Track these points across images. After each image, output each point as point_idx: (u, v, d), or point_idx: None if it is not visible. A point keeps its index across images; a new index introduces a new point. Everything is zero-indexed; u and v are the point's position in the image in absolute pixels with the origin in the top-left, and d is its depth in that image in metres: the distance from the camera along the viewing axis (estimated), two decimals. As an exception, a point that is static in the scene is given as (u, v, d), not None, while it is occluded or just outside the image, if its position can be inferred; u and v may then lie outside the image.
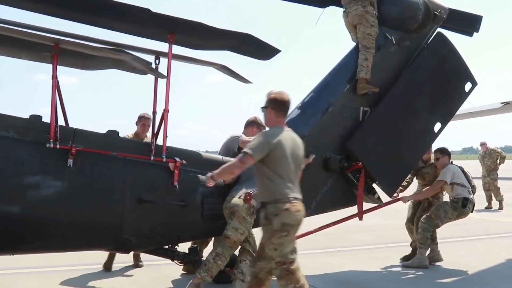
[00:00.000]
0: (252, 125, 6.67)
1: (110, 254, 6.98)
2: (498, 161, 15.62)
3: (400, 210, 9.22)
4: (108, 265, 7.03)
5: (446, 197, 7.93)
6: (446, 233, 8.61)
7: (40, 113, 5.29)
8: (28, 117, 5.24)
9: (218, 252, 5.51)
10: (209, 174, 4.49)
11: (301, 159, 4.55)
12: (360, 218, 6.83)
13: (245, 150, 4.31)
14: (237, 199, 5.55)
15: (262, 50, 5.89)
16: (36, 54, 5.95)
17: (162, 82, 5.74)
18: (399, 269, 7.37)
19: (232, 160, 5.97)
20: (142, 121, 7.16)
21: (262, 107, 4.53)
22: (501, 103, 26.61)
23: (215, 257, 5.49)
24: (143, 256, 7.01)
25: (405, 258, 7.68)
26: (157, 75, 5.54)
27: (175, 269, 6.70)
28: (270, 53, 5.96)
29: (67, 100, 5.60)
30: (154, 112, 5.95)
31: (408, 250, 7.92)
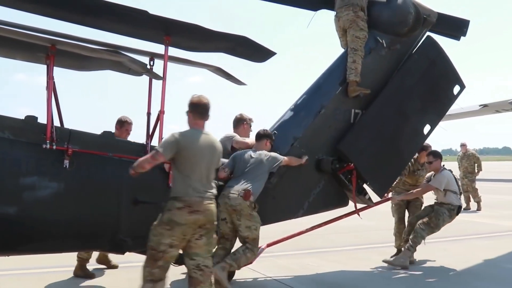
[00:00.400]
0: (241, 122, 6.77)
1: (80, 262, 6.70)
2: (476, 168, 15.82)
3: (384, 212, 9.31)
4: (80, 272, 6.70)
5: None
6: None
7: (20, 115, 5.29)
8: (24, 118, 5.25)
9: (248, 246, 5.83)
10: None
11: (214, 161, 4.69)
12: (359, 215, 7.16)
13: (156, 147, 4.64)
14: (237, 197, 5.69)
15: (258, 53, 5.97)
16: (30, 55, 5.96)
17: (156, 83, 5.82)
18: (378, 269, 7.43)
19: (225, 160, 6.08)
20: (125, 126, 6.82)
21: (186, 111, 4.70)
22: (480, 105, 27.06)
23: (245, 249, 5.81)
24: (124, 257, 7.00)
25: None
26: (154, 76, 5.59)
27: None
28: (266, 56, 6.04)
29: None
30: (149, 114, 5.98)
31: (389, 251, 8.03)
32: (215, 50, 5.88)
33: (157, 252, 4.45)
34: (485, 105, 26.98)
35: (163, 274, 4.51)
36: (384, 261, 7.53)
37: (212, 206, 4.55)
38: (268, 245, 6.81)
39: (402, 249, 7.68)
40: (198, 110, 4.63)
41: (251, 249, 5.86)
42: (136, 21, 5.18)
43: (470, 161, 15.83)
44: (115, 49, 5.55)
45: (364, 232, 10.46)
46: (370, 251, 8.74)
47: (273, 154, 6.09)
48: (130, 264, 6.99)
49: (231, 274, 6.09)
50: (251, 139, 6.53)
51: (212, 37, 5.53)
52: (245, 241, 5.88)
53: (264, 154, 6.02)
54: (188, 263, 4.58)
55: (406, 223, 8.00)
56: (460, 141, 16.13)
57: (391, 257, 7.67)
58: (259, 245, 6.79)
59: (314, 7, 7.36)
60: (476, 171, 15.76)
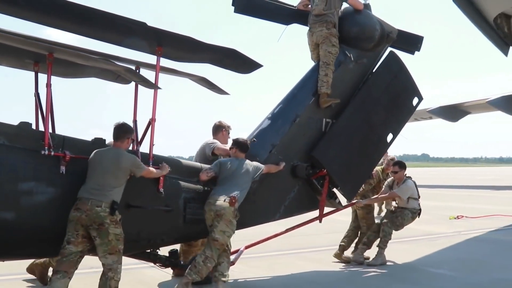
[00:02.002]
0: (220, 129, 7.12)
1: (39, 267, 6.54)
2: None
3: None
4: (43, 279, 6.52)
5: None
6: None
7: None
8: (18, 124, 5.32)
9: (207, 255, 5.86)
10: None
11: (104, 165, 5.27)
12: (320, 221, 7.44)
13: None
14: (222, 202, 5.90)
15: (244, 65, 6.29)
16: (17, 61, 6.02)
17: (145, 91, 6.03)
18: (298, 275, 7.44)
19: (207, 166, 6.34)
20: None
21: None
22: None
23: (204, 260, 5.84)
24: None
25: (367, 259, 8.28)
26: (148, 85, 5.77)
27: (142, 273, 6.86)
28: (252, 67, 6.37)
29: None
30: (135, 121, 6.16)
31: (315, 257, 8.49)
32: (203, 61, 6.15)
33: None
34: None
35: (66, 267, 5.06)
36: (368, 264, 8.00)
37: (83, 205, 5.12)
38: (246, 247, 7.13)
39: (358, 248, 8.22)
40: (114, 133, 5.48)
41: (211, 257, 5.86)
42: (131, 32, 5.37)
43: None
44: (105, 58, 5.71)
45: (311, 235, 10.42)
46: (292, 256, 8.81)
47: (255, 163, 6.39)
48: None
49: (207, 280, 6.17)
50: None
51: (201, 49, 5.80)
52: (211, 243, 5.89)
53: (249, 163, 6.30)
54: None
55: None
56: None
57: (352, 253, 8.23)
58: (239, 248, 7.14)
59: (286, 21, 7.80)
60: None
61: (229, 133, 7.15)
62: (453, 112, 32.02)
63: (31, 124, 5.38)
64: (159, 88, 5.68)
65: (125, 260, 6.55)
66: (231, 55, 5.95)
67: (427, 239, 10.31)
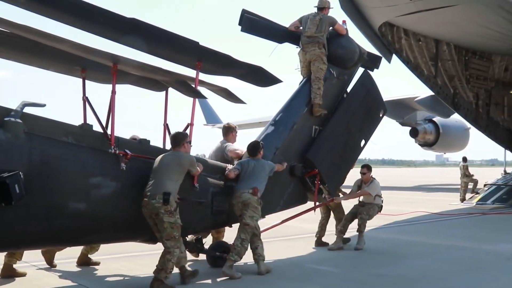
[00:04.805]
0: (230, 131, 8.16)
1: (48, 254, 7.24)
2: None
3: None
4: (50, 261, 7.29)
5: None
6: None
7: None
8: (81, 125, 6.06)
9: (242, 238, 6.96)
10: None
11: (164, 164, 6.22)
12: (314, 211, 8.88)
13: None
14: (247, 194, 7.00)
15: (266, 80, 7.37)
16: (66, 68, 6.68)
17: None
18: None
19: (228, 165, 7.37)
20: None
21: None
22: None
23: (241, 242, 6.93)
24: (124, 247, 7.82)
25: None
26: (198, 96, 6.68)
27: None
28: (272, 82, 7.46)
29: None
30: (166, 124, 7.08)
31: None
32: (229, 75, 7.15)
33: None
34: None
35: None
36: (355, 249, 9.15)
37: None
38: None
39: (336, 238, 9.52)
40: (172, 141, 6.47)
41: (246, 240, 6.99)
42: (182, 49, 6.27)
43: None
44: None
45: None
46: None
47: (269, 162, 7.51)
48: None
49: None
50: (242, 149, 7.86)
51: (234, 65, 6.81)
52: (244, 228, 7.00)
53: (264, 162, 7.40)
54: None
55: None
56: None
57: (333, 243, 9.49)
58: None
59: (280, 40, 8.98)
60: None
61: (236, 133, 8.21)
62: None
63: (92, 125, 6.13)
64: (206, 98, 6.63)
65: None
66: (257, 71, 7.02)
67: (312, 237, 9.91)
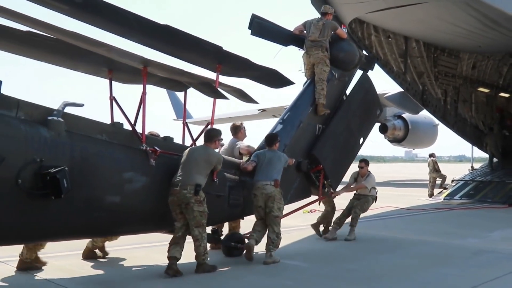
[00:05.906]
0: (239, 129, 8.65)
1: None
2: None
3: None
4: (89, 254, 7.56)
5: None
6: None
7: None
8: (112, 124, 6.49)
9: (276, 231, 7.50)
10: None
11: (194, 158, 6.67)
12: (319, 204, 9.56)
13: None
14: (270, 187, 7.52)
15: (279, 82, 7.87)
16: (93, 69, 7.06)
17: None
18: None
19: (242, 160, 7.88)
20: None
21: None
22: (258, 110, 30.28)
23: (277, 235, 7.51)
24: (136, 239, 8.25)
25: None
26: (220, 96, 7.17)
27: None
28: (284, 84, 7.98)
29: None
30: (185, 123, 7.53)
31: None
32: (245, 77, 7.64)
33: None
34: (263, 110, 30.27)
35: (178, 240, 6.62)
36: (345, 239, 9.57)
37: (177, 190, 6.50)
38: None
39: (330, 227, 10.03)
40: (206, 137, 6.90)
41: (279, 232, 7.55)
42: (205, 53, 6.73)
43: None
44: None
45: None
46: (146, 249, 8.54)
47: (284, 154, 7.98)
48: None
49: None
50: (252, 147, 8.37)
51: (251, 68, 7.29)
52: (274, 221, 7.47)
53: (280, 153, 7.89)
54: None
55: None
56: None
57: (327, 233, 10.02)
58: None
59: (285, 43, 9.53)
60: None
61: (245, 129, 8.71)
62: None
63: (122, 124, 6.56)
64: (227, 99, 7.12)
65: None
66: (271, 74, 7.53)
67: (282, 231, 8.52)
